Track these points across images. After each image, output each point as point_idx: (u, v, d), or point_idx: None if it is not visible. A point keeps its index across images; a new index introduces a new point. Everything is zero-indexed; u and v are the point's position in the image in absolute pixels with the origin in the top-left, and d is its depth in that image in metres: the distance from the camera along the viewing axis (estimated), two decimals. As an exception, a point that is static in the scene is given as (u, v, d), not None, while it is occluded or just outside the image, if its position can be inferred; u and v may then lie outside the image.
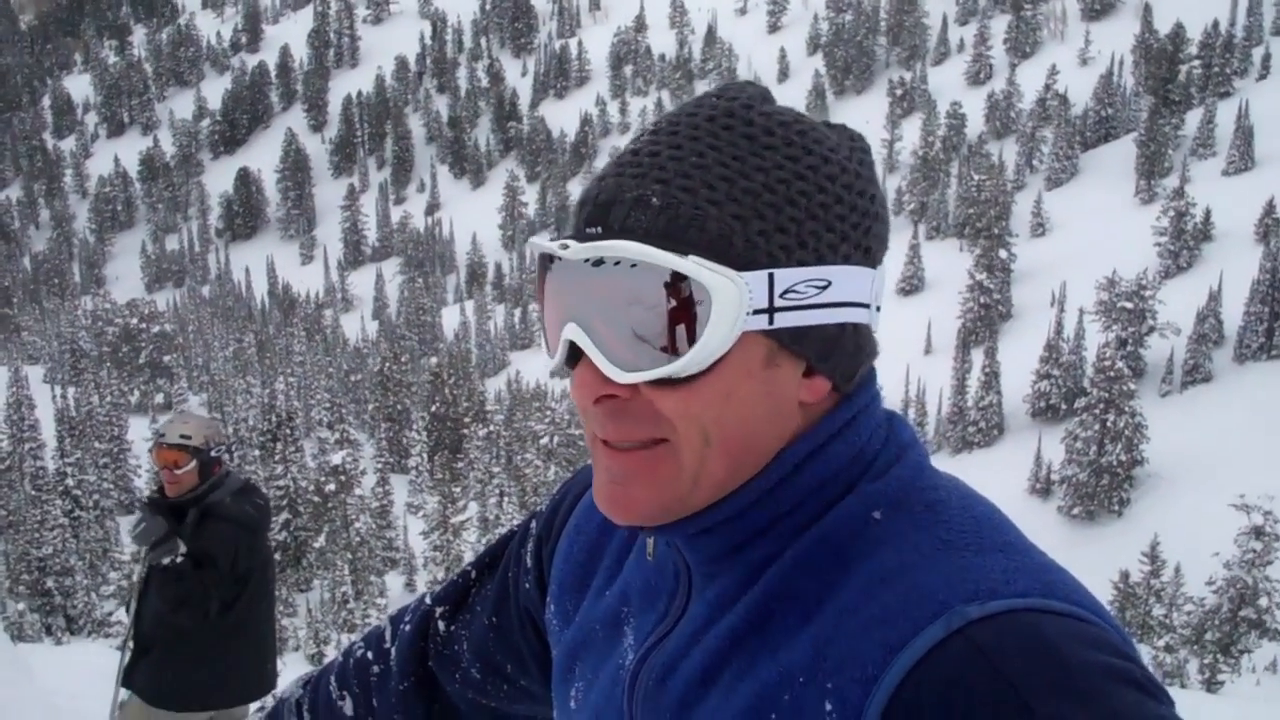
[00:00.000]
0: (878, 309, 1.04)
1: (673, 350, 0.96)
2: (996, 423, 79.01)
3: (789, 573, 1.02)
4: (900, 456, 1.07)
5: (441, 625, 1.48)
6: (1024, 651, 0.85)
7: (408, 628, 1.50)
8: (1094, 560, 60.61)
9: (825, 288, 0.98)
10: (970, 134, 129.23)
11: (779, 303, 0.97)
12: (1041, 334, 79.90)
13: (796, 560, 1.02)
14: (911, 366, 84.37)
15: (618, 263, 0.96)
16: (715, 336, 0.95)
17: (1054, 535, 66.29)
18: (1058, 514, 68.04)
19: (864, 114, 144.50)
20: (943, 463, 74.98)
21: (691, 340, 0.95)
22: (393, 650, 1.51)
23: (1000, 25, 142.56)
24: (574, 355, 1.01)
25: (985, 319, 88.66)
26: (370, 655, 1.53)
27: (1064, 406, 75.45)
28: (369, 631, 1.59)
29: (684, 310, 0.95)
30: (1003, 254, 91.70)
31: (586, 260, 0.97)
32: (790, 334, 0.98)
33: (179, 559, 5.11)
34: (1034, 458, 71.15)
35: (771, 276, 0.96)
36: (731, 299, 0.94)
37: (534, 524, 1.42)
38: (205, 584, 5.12)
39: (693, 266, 0.94)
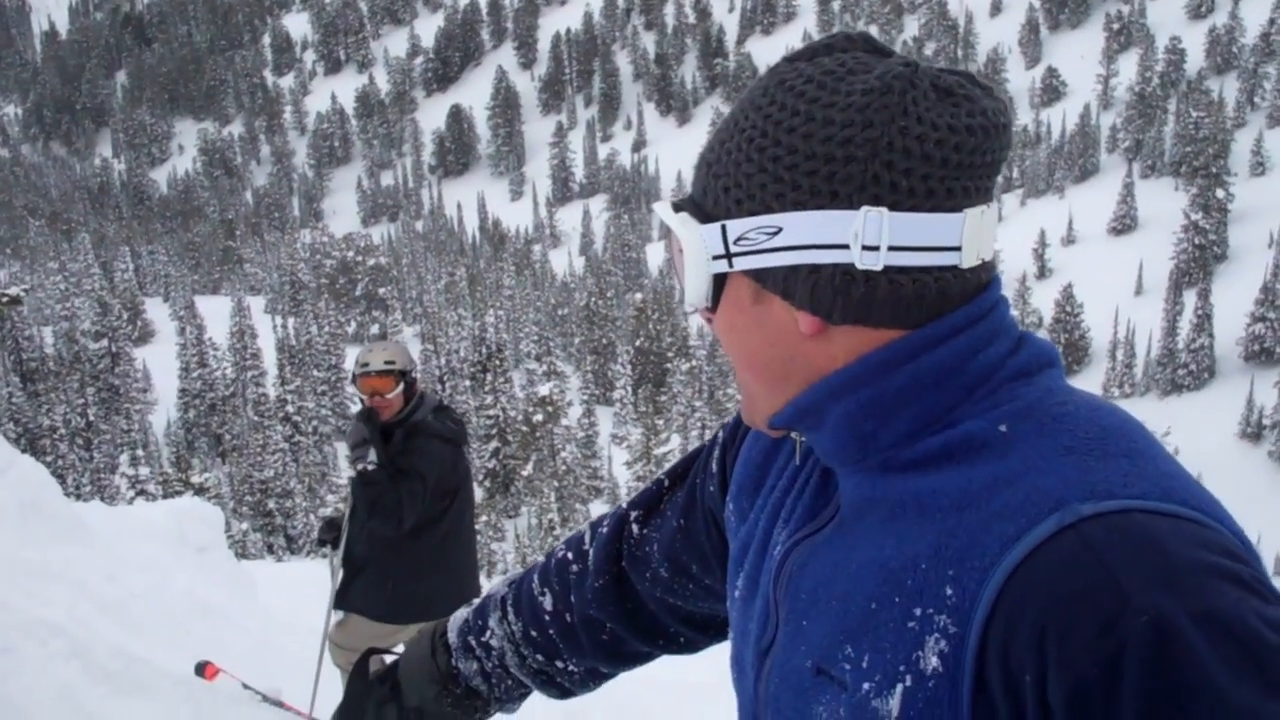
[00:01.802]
0: (894, 248, 1.06)
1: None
2: (1207, 366, 77.38)
3: (916, 477, 1.09)
4: (1030, 379, 1.12)
5: (635, 528, 1.62)
6: (1129, 546, 0.90)
7: (605, 531, 1.65)
8: (1306, 507, 59.33)
9: (776, 233, 1.08)
10: (1190, 70, 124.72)
11: (734, 249, 1.10)
12: (1258, 276, 77.82)
13: (920, 465, 1.10)
14: (1121, 308, 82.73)
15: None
16: (690, 278, 1.14)
17: (1264, 480, 64.95)
18: (1268, 459, 66.67)
19: (1079, 49, 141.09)
20: (1150, 406, 74.21)
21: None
22: (591, 551, 1.65)
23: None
24: None
25: (1199, 260, 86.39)
26: (570, 556, 1.68)
27: (1279, 350, 73.51)
28: (571, 535, 1.75)
29: (680, 258, 1.17)
30: (1220, 193, 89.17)
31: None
32: (756, 275, 1.11)
33: (370, 466, 5.41)
34: (1245, 402, 69.79)
35: (724, 227, 1.11)
36: (697, 247, 1.13)
37: (721, 433, 1.55)
38: (401, 495, 5.33)
39: (675, 223, 1.15)
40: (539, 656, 1.66)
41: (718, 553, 1.51)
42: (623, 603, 1.62)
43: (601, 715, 6.71)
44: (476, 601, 1.75)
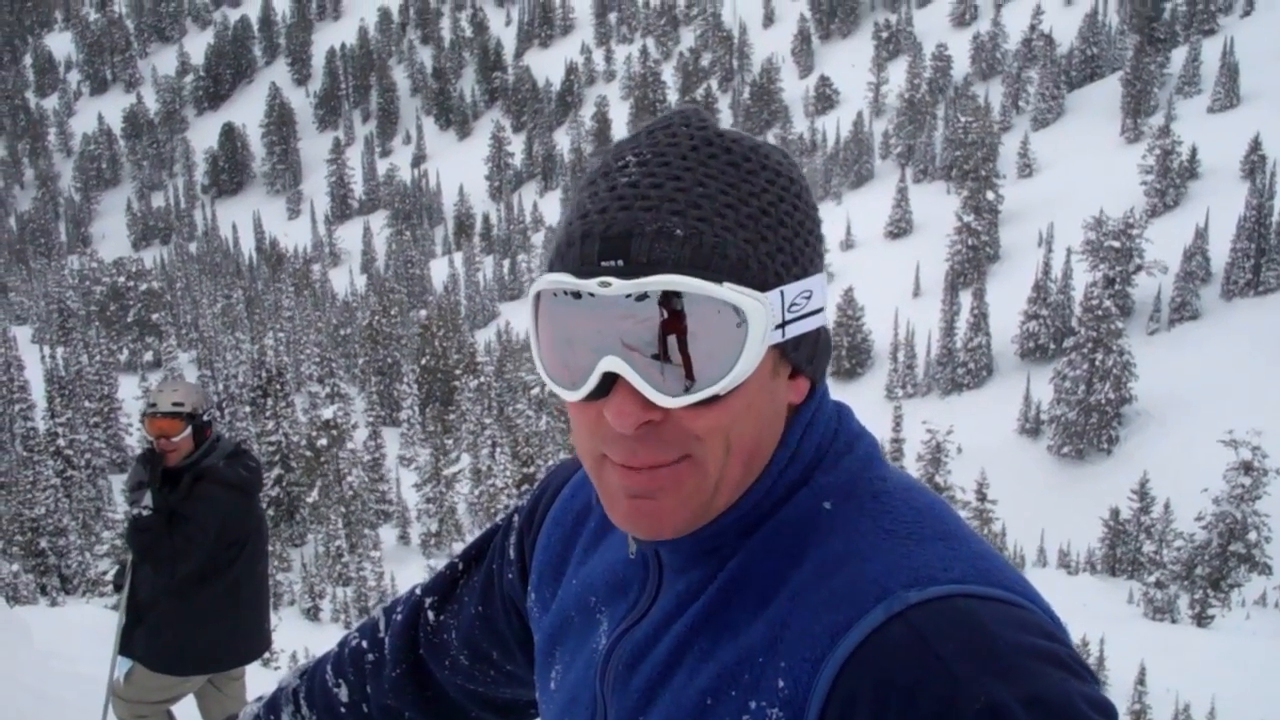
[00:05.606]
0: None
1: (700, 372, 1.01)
2: (985, 364, 79.33)
3: (748, 561, 1.10)
4: (851, 447, 1.15)
5: (431, 615, 1.56)
6: (956, 632, 0.92)
7: (399, 618, 1.58)
8: (1084, 498, 61.05)
9: (810, 297, 1.07)
10: (956, 76, 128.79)
11: (787, 316, 1.04)
12: (1029, 275, 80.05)
13: (754, 550, 1.10)
14: (900, 310, 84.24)
15: (645, 295, 1.00)
16: (751, 355, 1.00)
17: (1043, 475, 66.64)
18: (1047, 453, 68.45)
19: (849, 57, 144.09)
20: (932, 405, 75.71)
21: (734, 361, 1.01)
22: (386, 639, 1.58)
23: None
24: (604, 385, 1.03)
25: (973, 261, 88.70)
26: (365, 644, 1.61)
27: (1052, 346, 75.83)
28: (363, 622, 1.66)
29: (722, 333, 1.00)
30: (990, 195, 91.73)
31: (629, 295, 0.99)
32: (791, 344, 1.07)
33: (144, 511, 5.10)
34: (1023, 398, 71.65)
35: (783, 294, 1.04)
36: (761, 319, 1.00)
37: (516, 518, 1.49)
38: (175, 543, 5.09)
39: (732, 294, 0.99)
40: None
41: (519, 639, 1.49)
42: (421, 691, 1.58)
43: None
44: (266, 695, 1.71)
